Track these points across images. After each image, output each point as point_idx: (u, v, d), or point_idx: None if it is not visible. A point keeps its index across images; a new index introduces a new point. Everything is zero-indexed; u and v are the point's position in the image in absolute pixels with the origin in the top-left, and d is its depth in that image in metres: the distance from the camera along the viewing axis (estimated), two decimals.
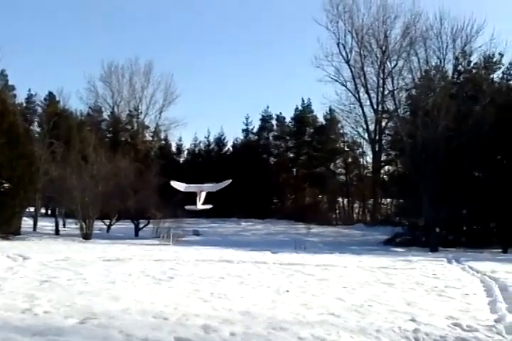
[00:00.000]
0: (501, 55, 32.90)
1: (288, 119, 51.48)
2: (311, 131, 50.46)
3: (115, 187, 30.52)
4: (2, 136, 24.05)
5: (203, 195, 17.07)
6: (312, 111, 51.14)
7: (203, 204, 17.52)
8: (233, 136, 55.00)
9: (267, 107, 51.58)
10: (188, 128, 63.43)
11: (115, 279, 10.93)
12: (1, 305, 7.65)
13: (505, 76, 33.10)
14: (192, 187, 19.24)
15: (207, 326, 6.68)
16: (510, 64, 32.59)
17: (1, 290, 9.06)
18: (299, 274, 13.03)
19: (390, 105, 40.28)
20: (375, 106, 45.90)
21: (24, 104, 49.45)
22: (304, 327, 6.87)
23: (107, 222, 34.27)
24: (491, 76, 33.23)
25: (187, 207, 18.31)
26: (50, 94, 47.95)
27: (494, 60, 33.04)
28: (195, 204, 17.37)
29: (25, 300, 8.13)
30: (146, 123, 54.10)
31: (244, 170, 44.03)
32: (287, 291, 9.99)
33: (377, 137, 46.02)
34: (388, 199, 45.35)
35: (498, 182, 27.32)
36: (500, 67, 33.29)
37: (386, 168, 45.55)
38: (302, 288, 10.50)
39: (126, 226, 34.34)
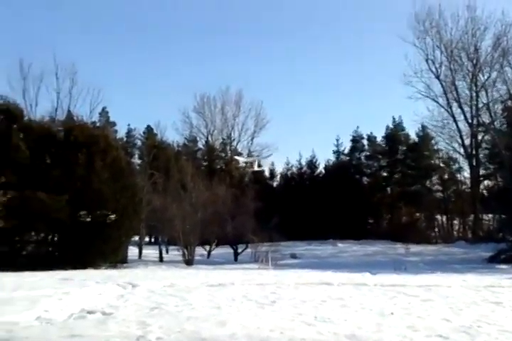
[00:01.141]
0: None
1: (379, 138, 51.18)
2: (404, 148, 49.79)
3: (213, 213, 31.38)
4: (106, 170, 25.35)
5: None
6: (404, 129, 50.60)
7: None
8: (324, 157, 55.21)
9: (357, 127, 51.62)
10: (280, 152, 64.22)
11: (220, 304, 11.08)
12: (117, 333, 7.89)
13: None
14: None
15: None
16: None
17: (114, 317, 9.25)
18: (402, 295, 12.82)
19: (485, 118, 39.13)
20: (470, 120, 44.56)
21: (125, 139, 51.99)
22: None
23: (207, 247, 35.15)
24: None
25: None
26: (148, 127, 50.43)
27: None
28: None
29: (138, 327, 8.30)
30: (239, 149, 55.44)
31: (337, 191, 44.01)
32: (391, 313, 9.91)
33: (473, 151, 44.61)
34: (489, 215, 43.65)
35: None
36: None
37: (485, 182, 44.03)
38: (406, 310, 10.35)
39: (225, 251, 35.04)
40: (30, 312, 9.17)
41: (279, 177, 54.43)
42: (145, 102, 74.28)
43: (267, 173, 54.34)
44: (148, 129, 50.33)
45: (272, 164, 54.06)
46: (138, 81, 75.38)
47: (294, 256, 34.35)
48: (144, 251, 34.94)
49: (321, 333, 7.92)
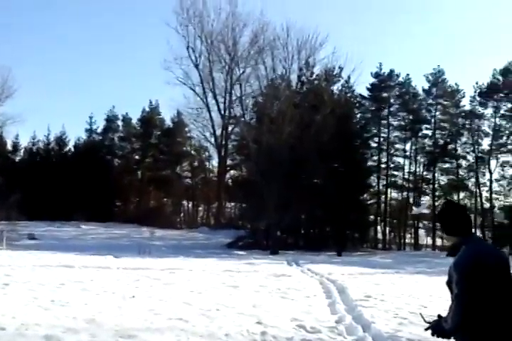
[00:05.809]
0: (341, 69, 34.85)
1: (135, 120, 50.61)
2: (158, 133, 49.99)
3: None
4: None
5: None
6: (160, 114, 50.67)
7: None
8: (76, 135, 52.80)
9: (113, 107, 50.20)
10: (27, 125, 59.76)
11: None
12: None
13: (344, 88, 35.26)
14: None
15: (49, 336, 6.27)
16: (348, 77, 34.75)
17: None
18: (145, 279, 12.80)
19: (237, 111, 41.09)
20: (223, 112, 46.45)
21: None
22: (154, 333, 6.73)
23: None
24: (332, 88, 35.20)
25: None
26: None
27: (335, 72, 34.99)
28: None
29: None
30: None
31: (86, 171, 42.52)
32: (133, 297, 9.73)
33: (223, 142, 46.69)
34: (232, 203, 46.33)
35: (334, 189, 29.09)
36: (339, 80, 35.39)
37: (231, 172, 46.42)
38: (149, 293, 10.30)
39: None
40: None
41: (22, 151, 50.62)
42: None
43: (9, 146, 50.15)
44: None
45: (17, 137, 49.96)
46: None
47: (32, 237, 32.15)
48: None
49: (57, 318, 7.44)
